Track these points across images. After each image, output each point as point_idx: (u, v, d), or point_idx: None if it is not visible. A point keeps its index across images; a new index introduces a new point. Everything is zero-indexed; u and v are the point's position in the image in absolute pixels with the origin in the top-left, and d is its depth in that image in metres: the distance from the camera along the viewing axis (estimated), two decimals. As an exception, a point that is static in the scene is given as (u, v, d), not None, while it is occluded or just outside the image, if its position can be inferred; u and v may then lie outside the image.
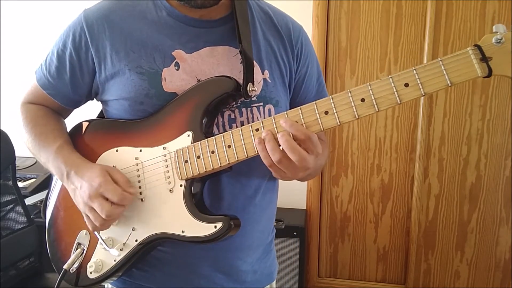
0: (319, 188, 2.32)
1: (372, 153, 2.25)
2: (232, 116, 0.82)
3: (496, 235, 2.20)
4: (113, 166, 0.83)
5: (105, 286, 0.96)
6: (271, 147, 0.69)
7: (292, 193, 2.30)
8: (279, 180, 0.99)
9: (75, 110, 0.97)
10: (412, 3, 2.06)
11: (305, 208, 2.33)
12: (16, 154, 1.68)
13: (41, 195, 2.14)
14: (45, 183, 2.19)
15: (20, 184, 2.04)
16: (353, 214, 2.34)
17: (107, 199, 0.76)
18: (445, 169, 2.19)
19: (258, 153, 0.72)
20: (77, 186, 0.79)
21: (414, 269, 2.31)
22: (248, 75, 0.79)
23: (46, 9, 2.41)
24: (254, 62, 0.83)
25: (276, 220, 1.02)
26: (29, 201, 2.05)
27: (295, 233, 2.08)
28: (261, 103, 0.84)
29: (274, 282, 1.03)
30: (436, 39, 2.05)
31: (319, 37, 2.12)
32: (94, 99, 0.91)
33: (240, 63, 0.81)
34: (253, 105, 0.83)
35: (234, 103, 0.82)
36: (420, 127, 2.15)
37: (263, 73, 0.85)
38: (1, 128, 1.63)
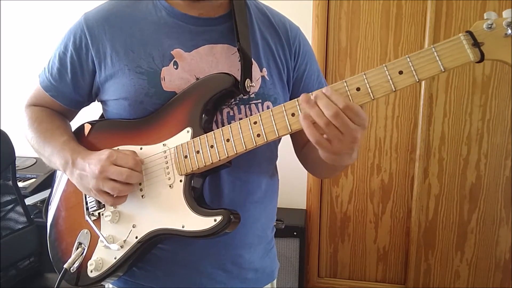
0: (319, 188, 2.32)
1: (372, 153, 2.25)
2: (231, 113, 0.83)
3: (496, 235, 2.20)
4: None
5: (107, 286, 0.95)
6: (324, 106, 0.65)
7: (292, 193, 2.30)
8: (280, 180, 1.00)
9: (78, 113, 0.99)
10: (412, 3, 2.06)
11: (305, 208, 2.33)
12: (16, 154, 1.69)
13: (41, 195, 2.13)
14: (45, 183, 2.19)
15: (20, 184, 2.05)
16: (353, 214, 2.34)
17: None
18: (445, 169, 2.19)
19: (290, 131, 0.70)
20: (84, 167, 0.79)
21: (414, 269, 2.31)
22: (246, 71, 0.80)
23: (46, 10, 2.42)
24: (252, 59, 0.84)
25: (276, 220, 1.02)
26: (29, 201, 2.04)
27: (295, 233, 2.08)
28: (260, 100, 0.84)
29: (275, 282, 1.03)
30: (436, 39, 2.05)
31: (319, 37, 2.12)
32: (96, 100, 0.92)
33: (239, 61, 0.82)
34: (252, 102, 0.84)
35: (232, 100, 0.82)
36: (420, 127, 2.15)
37: (261, 71, 0.86)
38: (1, 128, 1.63)
